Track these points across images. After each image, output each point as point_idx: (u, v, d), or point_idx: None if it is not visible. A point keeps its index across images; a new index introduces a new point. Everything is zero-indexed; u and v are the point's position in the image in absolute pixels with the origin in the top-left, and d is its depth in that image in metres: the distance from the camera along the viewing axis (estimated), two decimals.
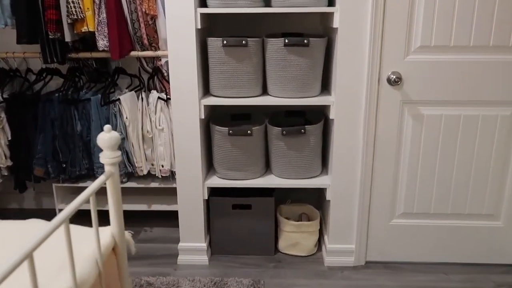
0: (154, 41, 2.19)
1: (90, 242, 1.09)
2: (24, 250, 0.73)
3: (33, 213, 2.74)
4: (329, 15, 1.93)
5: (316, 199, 2.55)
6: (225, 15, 2.28)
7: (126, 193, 2.56)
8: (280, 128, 2.01)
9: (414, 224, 2.06)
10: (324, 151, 2.17)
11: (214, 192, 2.20)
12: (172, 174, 2.38)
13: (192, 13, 1.83)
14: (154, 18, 2.13)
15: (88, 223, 1.13)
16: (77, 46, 2.26)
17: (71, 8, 2.05)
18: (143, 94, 2.26)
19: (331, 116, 1.94)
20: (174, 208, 2.45)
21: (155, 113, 2.24)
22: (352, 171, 1.99)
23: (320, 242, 2.29)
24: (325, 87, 2.15)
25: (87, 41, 2.29)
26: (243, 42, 1.88)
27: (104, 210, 2.37)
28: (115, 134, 1.06)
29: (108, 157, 1.09)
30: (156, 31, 2.17)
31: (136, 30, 2.18)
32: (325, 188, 2.07)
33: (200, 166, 2.03)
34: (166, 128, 2.25)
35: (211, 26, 2.23)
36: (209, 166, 2.23)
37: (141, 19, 2.14)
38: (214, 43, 1.91)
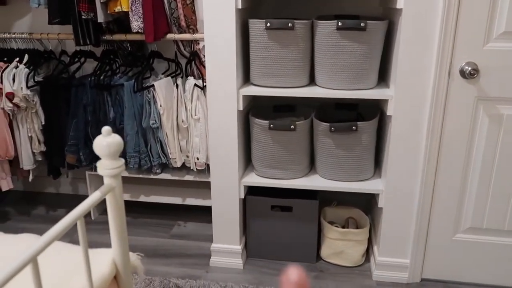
0: (192, 23, 1.99)
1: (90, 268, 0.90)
2: None
3: (69, 198, 2.68)
4: None
5: (365, 203, 2.29)
6: None
7: (160, 184, 2.43)
8: (328, 124, 1.76)
9: (482, 241, 1.76)
10: (377, 150, 1.90)
11: (252, 191, 2.00)
12: (208, 167, 2.21)
13: None
14: None
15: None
16: (111, 27, 2.12)
17: None
18: (180, 81, 2.08)
19: (389, 112, 1.66)
20: (209, 204, 2.28)
21: (191, 102, 2.06)
22: (411, 176, 1.72)
23: (368, 252, 2.04)
24: (382, 78, 1.87)
25: (122, 22, 2.14)
26: (289, 24, 1.64)
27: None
28: (116, 139, 0.86)
29: (107, 168, 0.87)
30: (194, 12, 1.97)
31: (173, 10, 1.99)
32: (377, 194, 1.81)
33: (237, 163, 1.83)
34: (202, 118, 2.07)
35: (254, 6, 2.00)
36: (247, 163, 2.03)
37: None
38: (257, 26, 1.68)
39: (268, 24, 1.65)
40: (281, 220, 1.97)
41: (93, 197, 0.83)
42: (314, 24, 1.69)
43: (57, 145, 2.24)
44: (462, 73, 1.54)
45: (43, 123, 2.21)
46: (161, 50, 2.22)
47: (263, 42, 1.69)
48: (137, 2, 1.92)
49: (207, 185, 2.37)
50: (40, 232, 0.85)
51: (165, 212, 2.46)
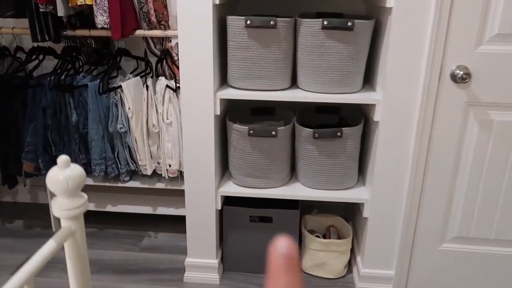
0: (163, 18, 1.84)
1: None
2: None
3: (27, 207, 2.46)
4: None
5: (345, 209, 2.20)
6: None
7: (129, 192, 2.25)
8: (311, 130, 1.65)
9: (469, 251, 1.70)
10: (360, 157, 1.81)
11: (229, 200, 1.86)
12: (181, 174, 2.06)
13: None
14: None
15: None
16: (73, 22, 1.92)
17: None
18: (150, 81, 1.91)
19: (376, 117, 1.57)
20: (182, 213, 2.13)
21: (163, 104, 1.90)
22: (398, 184, 1.63)
23: (350, 263, 1.95)
24: (367, 80, 1.78)
25: (86, 16, 1.95)
26: (271, 22, 1.51)
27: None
28: (77, 171, 0.65)
29: (64, 208, 0.66)
30: (166, 7, 1.81)
31: (143, 4, 1.82)
32: (362, 203, 1.72)
33: (214, 171, 1.69)
34: (175, 122, 1.92)
35: (232, 2, 1.86)
36: (224, 170, 1.89)
37: None
38: (235, 23, 1.55)
39: (248, 22, 1.51)
40: (260, 231, 1.84)
41: (46, 250, 0.62)
42: (297, 22, 1.57)
43: (13, 152, 2.03)
44: (453, 77, 1.46)
45: None
46: (129, 48, 2.04)
47: (243, 41, 1.56)
48: None
49: (179, 193, 2.21)
50: None
51: (134, 223, 2.29)
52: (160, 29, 1.86)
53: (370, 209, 1.68)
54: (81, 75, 1.97)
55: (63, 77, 1.91)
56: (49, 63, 2.10)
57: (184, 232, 1.82)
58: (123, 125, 1.91)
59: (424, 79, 1.48)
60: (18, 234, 2.19)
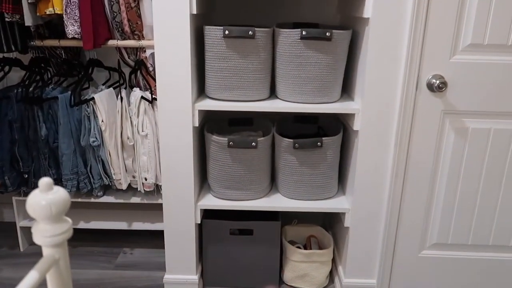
0: (137, 28, 1.79)
1: None
2: None
3: None
4: (357, 2, 1.56)
5: (324, 219, 2.20)
6: None
7: (102, 208, 2.17)
8: (291, 140, 1.64)
9: (448, 257, 1.72)
10: (340, 167, 1.81)
11: (208, 213, 1.82)
12: (158, 188, 2.00)
13: None
14: None
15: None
16: (42, 32, 1.85)
17: None
18: (124, 93, 1.86)
19: (355, 127, 1.57)
20: (159, 227, 2.07)
21: (138, 116, 1.85)
22: (378, 193, 1.64)
23: (332, 273, 1.94)
24: (344, 90, 1.78)
25: (56, 26, 1.88)
26: (250, 32, 1.50)
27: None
28: (60, 195, 0.59)
29: (47, 235, 0.59)
30: (140, 16, 1.77)
31: (115, 14, 1.77)
32: (343, 213, 1.71)
33: (192, 184, 1.65)
34: (150, 134, 1.86)
35: (210, 12, 1.84)
36: (202, 183, 1.85)
37: (121, 1, 1.73)
38: (213, 33, 1.52)
39: (227, 32, 1.49)
40: (241, 245, 1.81)
41: (29, 283, 0.55)
42: (275, 32, 1.56)
43: None
44: (430, 86, 1.49)
45: None
46: (101, 58, 1.98)
47: (220, 52, 1.53)
48: (72, 4, 1.68)
49: (155, 207, 2.15)
50: None
51: (109, 239, 2.20)
52: (134, 39, 1.81)
53: (351, 218, 1.68)
54: (50, 87, 1.89)
55: (31, 89, 1.82)
56: (15, 75, 2.01)
57: (161, 247, 1.77)
58: (96, 138, 1.84)
59: (401, 88, 1.50)
60: None
